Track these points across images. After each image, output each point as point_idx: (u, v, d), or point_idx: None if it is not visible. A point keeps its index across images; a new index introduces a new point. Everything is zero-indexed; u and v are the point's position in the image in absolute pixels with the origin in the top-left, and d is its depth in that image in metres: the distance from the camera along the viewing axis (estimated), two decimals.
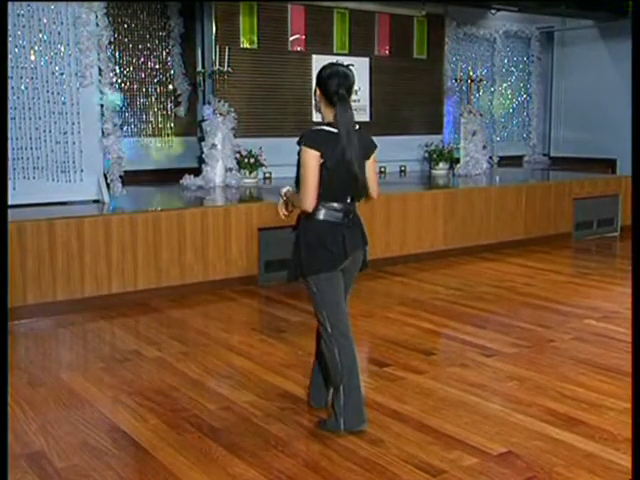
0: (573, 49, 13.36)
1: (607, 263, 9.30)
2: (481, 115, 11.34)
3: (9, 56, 6.96)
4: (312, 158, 3.73)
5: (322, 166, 3.74)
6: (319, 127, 3.84)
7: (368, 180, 3.90)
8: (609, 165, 12.41)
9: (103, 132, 7.90)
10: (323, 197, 3.79)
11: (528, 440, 3.91)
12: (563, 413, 4.27)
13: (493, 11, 12.13)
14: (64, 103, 7.54)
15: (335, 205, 3.84)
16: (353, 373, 3.92)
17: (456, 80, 11.81)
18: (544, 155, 13.72)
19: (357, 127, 3.84)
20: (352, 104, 3.87)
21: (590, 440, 3.91)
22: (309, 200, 3.77)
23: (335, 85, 3.76)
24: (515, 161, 12.97)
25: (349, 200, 3.90)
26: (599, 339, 5.74)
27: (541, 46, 13.51)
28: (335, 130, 3.75)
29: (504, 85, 13.18)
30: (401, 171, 11.07)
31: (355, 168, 3.76)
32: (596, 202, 10.47)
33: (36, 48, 7.35)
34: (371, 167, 3.94)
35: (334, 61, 4.09)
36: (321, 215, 3.83)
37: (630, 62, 12.30)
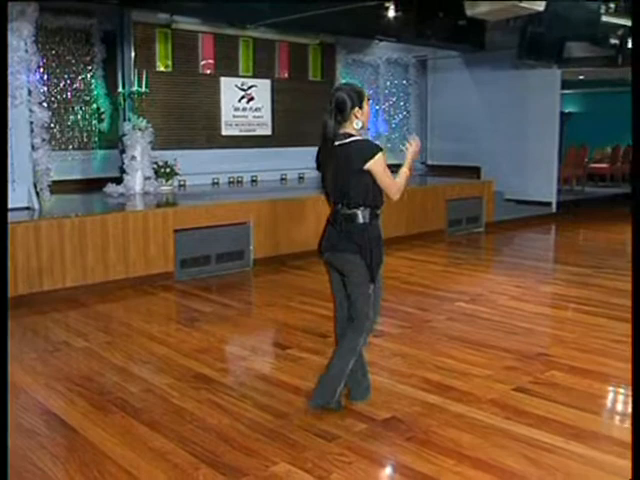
0: (443, 75, 13.67)
1: (474, 254, 9.56)
2: (368, 129, 11.47)
3: None
4: None
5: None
6: None
7: (382, 186, 3.77)
8: (475, 172, 12.76)
9: (33, 146, 7.67)
10: None
11: (409, 406, 4.00)
12: (437, 382, 4.39)
13: (377, 41, 12.32)
14: None
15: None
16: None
17: None
18: (422, 163, 13.97)
19: (346, 141, 3.71)
20: (330, 119, 3.71)
21: (459, 403, 4.04)
22: None
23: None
24: (397, 168, 13.10)
25: (339, 205, 3.83)
26: (467, 318, 5.91)
27: (417, 72, 13.78)
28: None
29: (387, 104, 13.38)
30: (300, 178, 11.10)
31: (324, 176, 3.83)
32: (464, 203, 10.76)
33: None
34: (375, 175, 3.71)
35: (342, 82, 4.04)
36: None
37: (489, 87, 12.70)
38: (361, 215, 3.79)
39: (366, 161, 3.67)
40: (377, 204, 3.82)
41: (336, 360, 3.87)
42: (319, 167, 3.90)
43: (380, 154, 3.70)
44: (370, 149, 3.72)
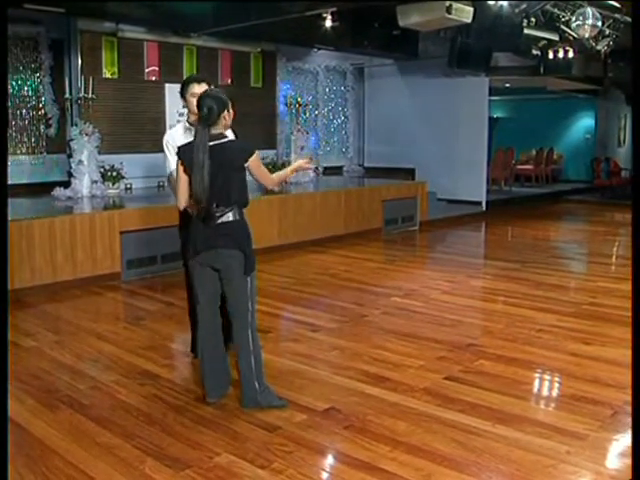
0: (379, 81, 13.79)
1: (409, 251, 9.67)
2: (307, 133, 11.54)
3: None
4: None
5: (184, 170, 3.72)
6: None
7: (260, 178, 3.89)
8: (409, 173, 12.91)
9: None
10: None
11: (346, 397, 4.03)
12: (373, 373, 4.43)
13: (315, 50, 12.37)
14: None
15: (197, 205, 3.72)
16: None
17: (287, 105, 11.95)
18: (359, 165, 14.08)
19: (221, 141, 3.71)
20: (199, 124, 3.71)
21: (394, 392, 4.09)
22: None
23: (199, 108, 3.75)
24: (336, 170, 13.25)
25: (214, 204, 3.67)
26: (402, 312, 5.97)
27: (354, 78, 13.88)
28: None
29: (326, 109, 13.43)
30: None
31: (195, 177, 3.62)
32: (400, 203, 10.86)
33: None
34: (253, 170, 3.82)
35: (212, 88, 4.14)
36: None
37: (422, 93, 12.84)
38: (237, 212, 3.79)
39: (248, 158, 3.76)
40: (247, 202, 3.86)
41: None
42: (185, 170, 3.72)
43: (257, 152, 3.84)
44: (250, 147, 3.83)
